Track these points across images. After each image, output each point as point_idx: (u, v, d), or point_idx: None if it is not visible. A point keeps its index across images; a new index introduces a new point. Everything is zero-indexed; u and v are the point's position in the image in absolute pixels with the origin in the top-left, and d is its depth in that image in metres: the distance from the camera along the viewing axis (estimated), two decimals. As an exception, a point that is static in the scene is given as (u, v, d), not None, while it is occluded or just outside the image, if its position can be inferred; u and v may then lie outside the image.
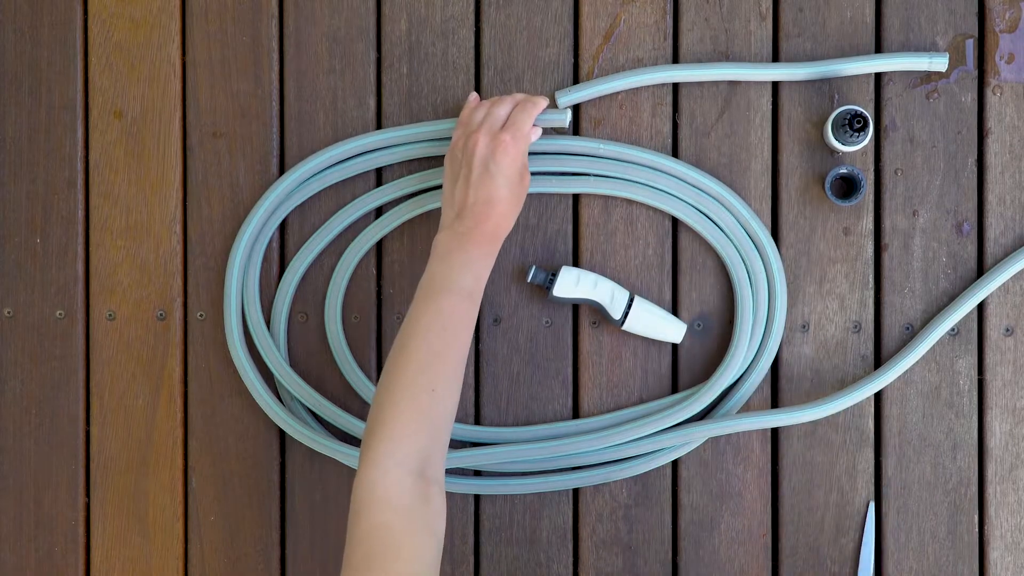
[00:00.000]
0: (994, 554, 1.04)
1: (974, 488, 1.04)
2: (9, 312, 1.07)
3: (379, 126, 1.06)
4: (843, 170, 1.01)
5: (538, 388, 1.05)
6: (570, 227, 1.05)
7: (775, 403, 1.05)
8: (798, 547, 1.04)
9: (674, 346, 1.05)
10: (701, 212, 1.03)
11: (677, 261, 1.05)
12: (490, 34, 1.05)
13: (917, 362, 1.03)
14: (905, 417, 1.04)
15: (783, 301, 1.02)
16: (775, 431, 1.05)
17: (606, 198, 1.04)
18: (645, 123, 1.05)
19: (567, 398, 1.05)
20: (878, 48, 1.04)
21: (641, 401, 1.05)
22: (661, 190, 1.03)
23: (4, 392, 1.07)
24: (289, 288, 1.05)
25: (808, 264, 1.04)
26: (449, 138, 1.03)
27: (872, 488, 1.04)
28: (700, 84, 1.04)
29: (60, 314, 1.07)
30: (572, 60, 1.05)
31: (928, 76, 1.03)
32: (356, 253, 1.05)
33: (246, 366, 1.04)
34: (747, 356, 1.03)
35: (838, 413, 1.03)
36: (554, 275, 1.02)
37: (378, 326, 1.06)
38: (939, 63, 1.02)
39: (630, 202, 1.04)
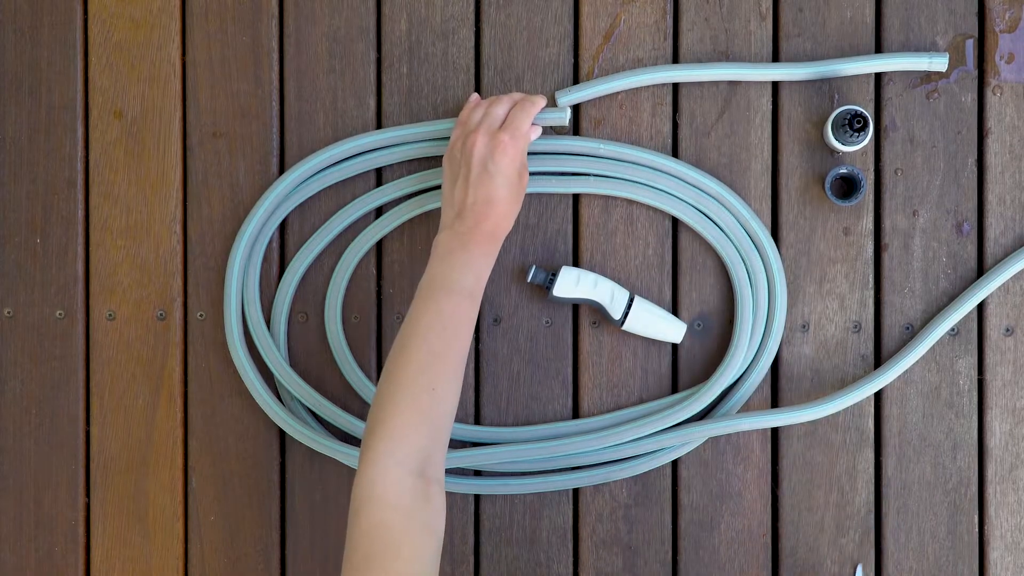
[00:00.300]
0: (994, 554, 1.04)
1: (974, 488, 1.04)
2: (9, 312, 1.07)
3: (379, 126, 1.06)
4: (843, 170, 1.01)
5: (538, 388, 1.05)
6: (570, 227, 1.05)
7: (775, 403, 1.05)
8: (798, 547, 1.04)
9: (674, 346, 1.05)
10: (701, 212, 1.03)
11: (677, 261, 1.05)
12: (490, 34, 1.05)
13: (917, 362, 1.03)
14: (905, 417, 1.04)
15: (783, 301, 1.02)
16: (775, 431, 1.05)
17: (606, 198, 1.04)
18: (645, 123, 1.05)
19: (567, 398, 1.05)
20: (878, 48, 1.04)
21: (641, 401, 1.05)
22: (661, 190, 1.03)
23: (4, 392, 1.07)
24: (289, 288, 1.05)
25: (808, 264, 1.04)
26: (449, 138, 1.03)
27: (872, 488, 1.04)
28: (700, 84, 1.04)
29: (60, 314, 1.07)
30: (572, 60, 1.05)
31: (928, 76, 1.03)
32: (356, 253, 1.05)
33: (246, 366, 1.04)
34: (747, 356, 1.03)
35: (838, 413, 1.03)
36: (554, 275, 1.02)
37: (378, 326, 1.06)
38: (939, 63, 1.02)
39: (630, 202, 1.05)
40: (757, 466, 1.04)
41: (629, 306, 1.02)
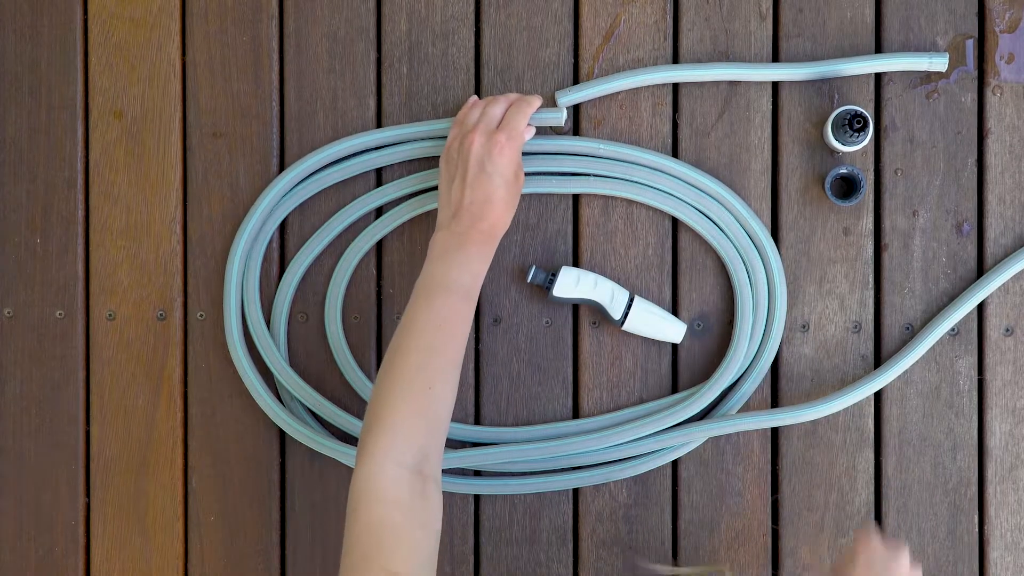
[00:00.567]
0: (994, 554, 1.04)
1: (974, 488, 1.04)
2: (9, 312, 1.07)
3: (379, 126, 1.06)
4: (843, 170, 1.01)
5: (538, 388, 1.05)
6: (570, 227, 1.05)
7: (775, 403, 1.05)
8: (798, 547, 1.04)
9: (674, 346, 1.05)
10: (701, 212, 1.03)
11: (677, 261, 1.05)
12: (490, 34, 1.05)
13: (917, 362, 1.03)
14: (905, 417, 1.04)
15: (783, 301, 1.02)
16: (775, 431, 1.05)
17: (606, 198, 1.04)
18: (645, 123, 1.05)
19: (567, 398, 1.05)
20: (878, 48, 1.04)
21: (641, 401, 1.05)
22: (661, 190, 1.03)
23: (4, 392, 1.07)
24: (289, 288, 1.05)
25: (808, 264, 1.04)
26: (449, 138, 1.03)
27: (872, 488, 1.04)
28: (700, 84, 1.04)
29: (60, 314, 1.07)
30: (572, 60, 1.05)
31: (928, 76, 1.03)
32: (356, 253, 1.05)
33: (246, 366, 1.04)
34: (747, 356, 1.03)
35: (838, 413, 1.03)
36: (554, 275, 1.02)
37: (378, 326, 1.06)
38: (939, 63, 1.02)
39: (630, 202, 1.04)
40: (757, 466, 1.04)
41: (629, 306, 1.02)
